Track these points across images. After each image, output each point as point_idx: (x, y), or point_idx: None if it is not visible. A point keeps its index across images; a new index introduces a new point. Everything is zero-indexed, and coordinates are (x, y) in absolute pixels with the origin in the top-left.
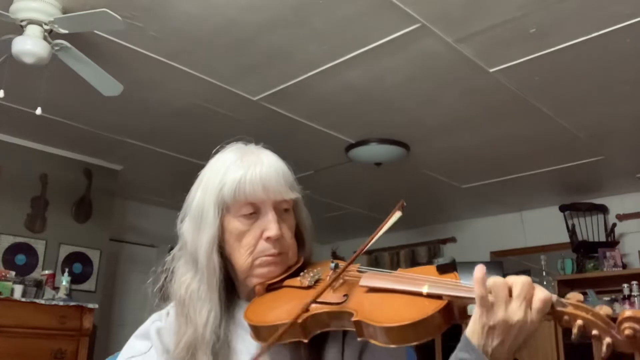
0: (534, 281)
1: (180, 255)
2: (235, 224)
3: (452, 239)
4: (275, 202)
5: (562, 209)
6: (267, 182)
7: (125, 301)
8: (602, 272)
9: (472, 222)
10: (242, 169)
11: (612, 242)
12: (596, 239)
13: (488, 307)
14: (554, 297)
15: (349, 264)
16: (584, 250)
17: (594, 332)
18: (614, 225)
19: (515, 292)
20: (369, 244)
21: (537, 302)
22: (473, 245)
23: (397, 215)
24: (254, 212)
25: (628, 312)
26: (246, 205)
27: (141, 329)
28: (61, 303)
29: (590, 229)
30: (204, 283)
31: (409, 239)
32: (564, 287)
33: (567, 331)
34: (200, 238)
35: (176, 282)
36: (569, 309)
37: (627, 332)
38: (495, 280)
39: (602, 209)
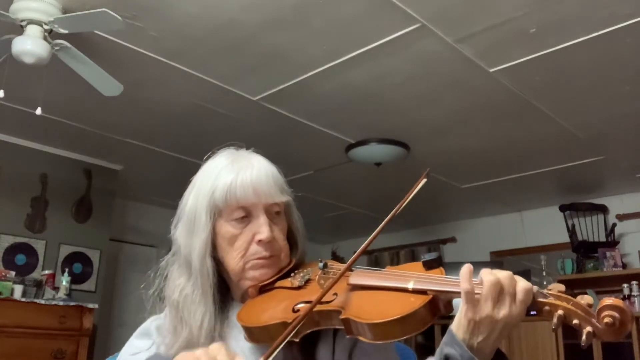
0: (533, 282)
1: (174, 260)
2: (227, 228)
3: (452, 239)
4: (266, 205)
5: (562, 209)
6: (258, 185)
7: (125, 301)
8: (602, 272)
9: (472, 222)
10: (232, 173)
11: (612, 242)
12: (596, 239)
13: (474, 303)
14: (535, 288)
15: (373, 237)
16: (584, 250)
17: (575, 321)
18: (614, 225)
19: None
20: (397, 211)
21: (520, 295)
22: (473, 245)
23: (423, 182)
24: (246, 216)
25: (608, 301)
26: (238, 209)
27: (141, 328)
28: (61, 303)
29: (590, 229)
30: (198, 287)
31: (409, 239)
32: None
33: (567, 331)
34: (194, 242)
35: (170, 286)
36: (550, 300)
37: (606, 320)
38: (484, 277)
39: (602, 209)
